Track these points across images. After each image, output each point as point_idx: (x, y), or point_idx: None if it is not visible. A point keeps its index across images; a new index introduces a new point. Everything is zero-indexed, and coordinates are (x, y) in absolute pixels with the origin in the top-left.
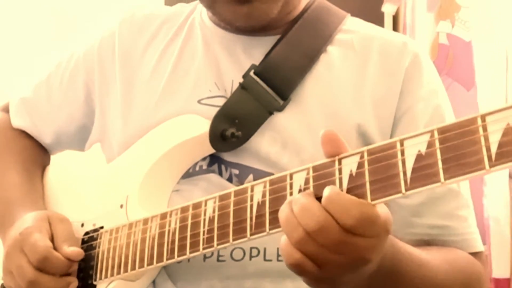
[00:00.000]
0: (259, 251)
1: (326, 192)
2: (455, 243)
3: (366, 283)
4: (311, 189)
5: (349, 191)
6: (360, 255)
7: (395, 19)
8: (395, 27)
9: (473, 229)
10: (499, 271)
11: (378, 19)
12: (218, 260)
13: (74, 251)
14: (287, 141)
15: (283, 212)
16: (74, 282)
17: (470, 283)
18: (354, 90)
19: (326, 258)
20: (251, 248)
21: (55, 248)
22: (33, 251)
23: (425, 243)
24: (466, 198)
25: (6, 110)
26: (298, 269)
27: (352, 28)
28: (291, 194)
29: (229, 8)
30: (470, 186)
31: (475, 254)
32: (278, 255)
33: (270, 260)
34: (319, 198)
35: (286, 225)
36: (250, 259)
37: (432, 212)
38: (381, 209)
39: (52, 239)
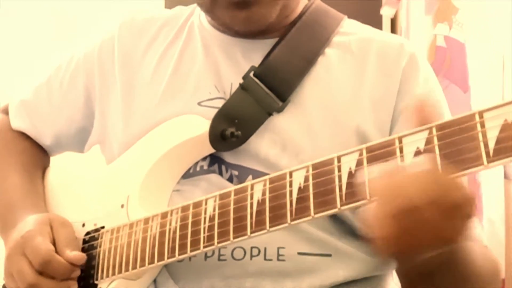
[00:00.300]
0: (259, 251)
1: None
2: None
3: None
4: (311, 186)
5: (348, 187)
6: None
7: (393, 21)
8: (393, 30)
9: (475, 224)
10: None
11: (376, 22)
12: (219, 259)
13: (77, 255)
14: (286, 143)
15: (392, 177)
16: (74, 286)
17: (496, 271)
18: (352, 91)
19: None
20: (251, 248)
21: (57, 252)
22: (34, 254)
23: None
24: None
25: (6, 112)
26: (387, 242)
27: (349, 30)
28: (290, 192)
29: (228, 12)
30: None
31: None
32: (278, 255)
33: (271, 260)
34: None
35: (391, 192)
36: (251, 258)
37: None
38: None
39: (53, 243)
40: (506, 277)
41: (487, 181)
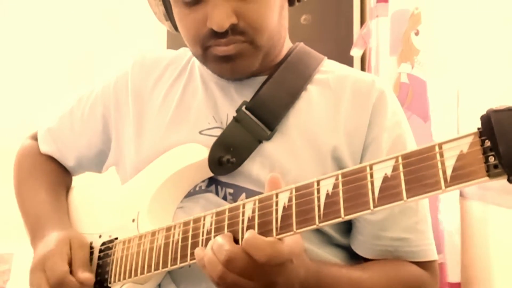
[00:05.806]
0: None
1: (245, 235)
2: (413, 253)
3: None
4: (294, 206)
5: (326, 207)
6: (269, 278)
7: (363, 61)
8: (362, 68)
9: (430, 241)
10: (452, 276)
11: (348, 62)
12: None
13: (87, 277)
14: (274, 165)
15: (206, 256)
16: None
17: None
18: (330, 121)
19: (241, 284)
20: None
21: (71, 271)
22: (51, 272)
23: (389, 253)
24: (423, 214)
25: (35, 138)
26: None
27: (328, 69)
28: (276, 210)
29: (216, 65)
30: (429, 204)
31: (430, 262)
32: None
33: None
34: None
35: (209, 265)
36: None
37: (395, 226)
38: (288, 241)
39: (70, 262)
40: (462, 282)
41: (445, 199)
